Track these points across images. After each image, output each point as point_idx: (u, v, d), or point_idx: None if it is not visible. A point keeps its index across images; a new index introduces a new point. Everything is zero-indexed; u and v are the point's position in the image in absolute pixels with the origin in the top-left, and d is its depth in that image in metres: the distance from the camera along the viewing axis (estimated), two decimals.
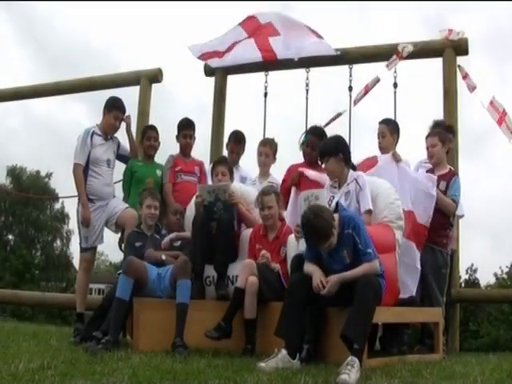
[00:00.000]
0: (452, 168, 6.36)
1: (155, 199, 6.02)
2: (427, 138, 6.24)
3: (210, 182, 6.32)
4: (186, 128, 6.96)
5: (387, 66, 7.51)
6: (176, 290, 5.14)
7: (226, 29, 8.55)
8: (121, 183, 7.02)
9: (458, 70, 7.33)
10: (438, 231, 5.94)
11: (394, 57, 7.40)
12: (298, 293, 4.39)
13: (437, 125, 6.68)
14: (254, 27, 8.37)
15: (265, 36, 8.24)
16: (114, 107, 6.68)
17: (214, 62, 8.38)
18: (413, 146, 6.92)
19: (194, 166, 6.95)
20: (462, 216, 6.73)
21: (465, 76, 7.24)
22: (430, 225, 5.85)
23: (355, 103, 7.83)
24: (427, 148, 6.20)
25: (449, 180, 6.01)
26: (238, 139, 7.02)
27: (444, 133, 6.32)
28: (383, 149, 6.45)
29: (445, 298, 5.98)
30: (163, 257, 5.60)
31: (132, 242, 5.81)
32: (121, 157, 6.91)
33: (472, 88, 7.19)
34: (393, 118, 7.10)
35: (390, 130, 6.51)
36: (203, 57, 8.40)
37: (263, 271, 5.20)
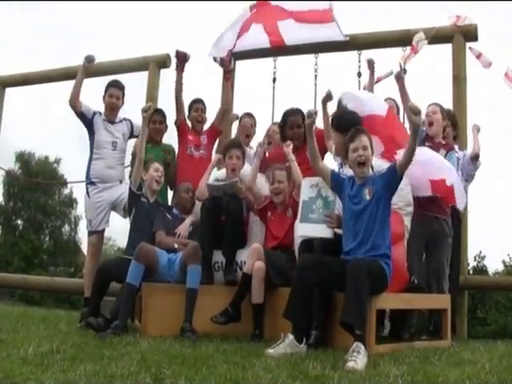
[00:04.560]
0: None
1: (162, 165, 6.15)
2: (428, 107, 6.17)
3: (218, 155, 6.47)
4: (196, 102, 7.00)
5: (404, 62, 7.33)
6: (186, 276, 5.16)
7: (235, 12, 8.54)
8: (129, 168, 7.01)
9: (469, 51, 7.21)
10: (439, 201, 5.86)
11: (409, 52, 7.23)
12: (307, 276, 4.38)
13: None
14: (263, 9, 8.32)
15: (273, 20, 8.18)
16: (109, 85, 6.77)
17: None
18: None
19: (199, 137, 6.94)
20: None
21: (478, 55, 7.11)
22: (431, 197, 5.78)
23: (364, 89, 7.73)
24: (426, 114, 6.09)
25: (448, 150, 5.99)
26: (248, 113, 7.28)
27: (445, 109, 6.28)
28: None
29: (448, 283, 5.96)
30: (175, 245, 5.66)
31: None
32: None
33: (488, 64, 7.04)
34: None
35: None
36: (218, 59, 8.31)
37: (271, 256, 5.22)
